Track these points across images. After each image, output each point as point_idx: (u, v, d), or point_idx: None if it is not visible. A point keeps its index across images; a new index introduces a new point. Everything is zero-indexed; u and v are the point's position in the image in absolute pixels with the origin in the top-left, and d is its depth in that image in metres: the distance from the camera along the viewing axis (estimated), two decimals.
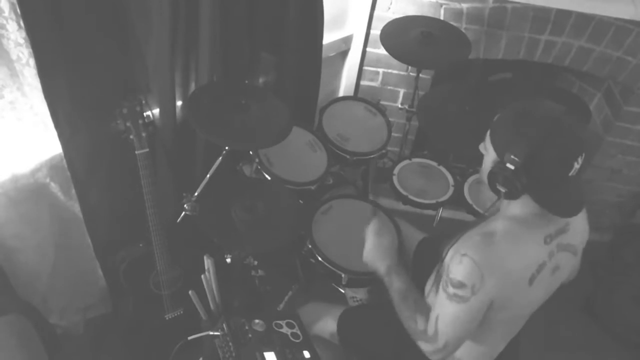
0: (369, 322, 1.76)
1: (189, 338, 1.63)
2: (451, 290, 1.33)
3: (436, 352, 1.39)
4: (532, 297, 1.42)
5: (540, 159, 1.25)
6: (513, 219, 1.36)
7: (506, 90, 2.80)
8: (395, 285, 1.50)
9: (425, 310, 1.43)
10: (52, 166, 1.79)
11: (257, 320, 1.60)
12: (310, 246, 1.92)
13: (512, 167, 1.26)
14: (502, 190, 1.30)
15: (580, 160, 1.26)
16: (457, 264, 1.32)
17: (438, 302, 1.38)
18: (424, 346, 1.41)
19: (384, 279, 1.53)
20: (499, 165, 1.29)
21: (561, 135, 1.25)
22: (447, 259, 1.39)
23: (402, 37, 2.18)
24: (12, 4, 1.45)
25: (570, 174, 1.27)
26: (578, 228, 1.43)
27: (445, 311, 1.36)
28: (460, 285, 1.31)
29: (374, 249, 1.61)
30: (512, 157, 1.26)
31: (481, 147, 1.42)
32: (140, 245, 1.89)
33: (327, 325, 1.80)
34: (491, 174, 1.32)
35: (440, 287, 1.37)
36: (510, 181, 1.28)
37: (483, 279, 1.29)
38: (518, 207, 1.36)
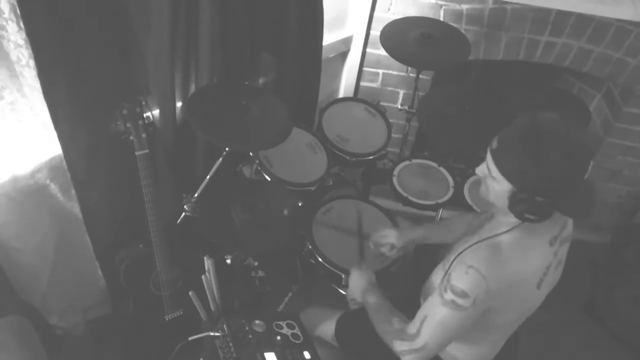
0: (367, 325, 1.76)
1: (190, 339, 1.63)
2: (449, 296, 1.31)
3: (411, 352, 1.37)
4: (540, 297, 1.42)
5: (562, 180, 1.23)
6: (519, 227, 1.33)
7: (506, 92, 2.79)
8: (370, 301, 1.55)
9: (400, 314, 1.46)
10: (52, 167, 1.79)
11: (257, 321, 1.60)
12: (310, 247, 1.92)
13: (540, 199, 1.23)
14: (532, 217, 1.27)
15: (592, 162, 1.26)
16: (462, 273, 1.30)
17: (429, 304, 1.37)
18: (399, 345, 1.40)
19: (363, 303, 1.58)
20: (521, 196, 1.25)
21: (575, 154, 1.23)
22: (451, 268, 1.38)
23: (401, 38, 2.18)
24: (12, 5, 1.44)
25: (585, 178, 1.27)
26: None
27: (435, 314, 1.34)
28: (463, 294, 1.29)
29: (353, 284, 1.66)
30: (537, 190, 1.23)
31: (480, 170, 1.36)
32: (140, 246, 1.89)
33: (328, 328, 1.81)
34: (515, 206, 1.27)
35: (437, 290, 1.36)
36: (540, 209, 1.25)
37: (488, 291, 1.28)
38: None
